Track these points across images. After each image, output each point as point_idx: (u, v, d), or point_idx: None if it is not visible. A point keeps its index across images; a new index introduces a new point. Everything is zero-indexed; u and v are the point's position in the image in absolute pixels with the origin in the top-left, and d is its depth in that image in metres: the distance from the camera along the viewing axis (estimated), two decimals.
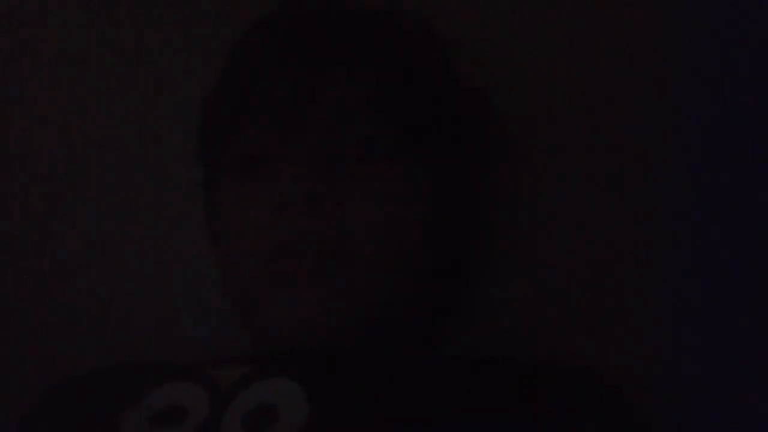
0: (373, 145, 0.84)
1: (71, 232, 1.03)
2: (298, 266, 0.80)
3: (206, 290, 0.97)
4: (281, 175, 0.82)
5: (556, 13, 1.00)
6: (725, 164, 0.94)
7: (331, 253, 0.81)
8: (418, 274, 0.87)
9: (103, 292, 1.02)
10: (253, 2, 0.93)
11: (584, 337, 0.94)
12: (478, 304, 0.97)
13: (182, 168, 0.99)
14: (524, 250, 0.97)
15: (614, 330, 0.94)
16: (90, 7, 1.06)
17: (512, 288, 0.97)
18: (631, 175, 0.96)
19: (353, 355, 0.80)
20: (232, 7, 1.02)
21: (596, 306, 0.95)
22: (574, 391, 0.80)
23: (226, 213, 0.87)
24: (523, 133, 0.98)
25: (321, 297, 0.81)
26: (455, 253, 0.92)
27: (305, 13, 0.89)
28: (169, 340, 1.00)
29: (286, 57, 0.85)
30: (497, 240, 0.97)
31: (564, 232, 0.97)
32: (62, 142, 1.05)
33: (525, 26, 1.00)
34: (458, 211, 0.91)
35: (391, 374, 0.79)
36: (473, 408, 0.77)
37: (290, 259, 0.81)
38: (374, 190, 0.83)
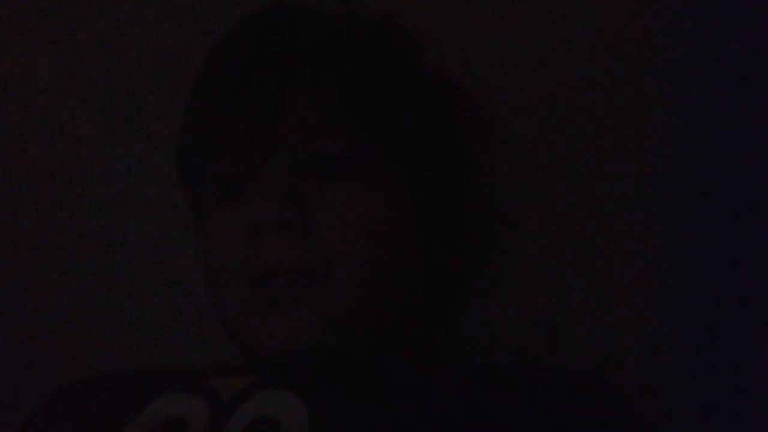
0: (341, 159, 0.83)
1: (72, 237, 1.04)
2: (277, 288, 0.81)
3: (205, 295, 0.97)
4: (253, 199, 0.82)
5: (553, 9, 0.99)
6: (725, 164, 0.94)
7: (309, 274, 0.80)
8: (406, 280, 0.86)
9: (104, 297, 1.03)
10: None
11: (583, 339, 0.94)
12: (475, 308, 0.97)
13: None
14: (519, 249, 0.97)
15: (613, 333, 0.94)
16: (89, 10, 1.06)
17: (508, 289, 0.97)
18: (630, 176, 0.96)
19: (353, 366, 0.81)
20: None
21: (595, 308, 0.95)
22: (572, 397, 0.80)
23: (207, 236, 0.87)
24: (523, 133, 0.98)
25: (303, 316, 0.80)
26: (444, 254, 0.91)
27: (263, 29, 0.87)
28: (170, 346, 1.00)
29: (245, 79, 0.84)
30: (495, 241, 0.97)
31: (564, 232, 0.96)
32: (63, 144, 1.05)
33: (520, 24, 0.99)
34: (442, 212, 0.90)
35: (389, 383, 0.79)
36: (472, 415, 0.77)
37: (269, 283, 0.81)
38: (346, 207, 0.82)
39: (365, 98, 0.85)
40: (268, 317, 0.81)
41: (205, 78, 0.89)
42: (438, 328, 0.95)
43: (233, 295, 0.83)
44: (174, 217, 1.01)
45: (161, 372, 0.87)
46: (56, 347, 1.02)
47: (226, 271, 0.83)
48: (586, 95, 0.98)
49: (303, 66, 0.84)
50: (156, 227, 1.03)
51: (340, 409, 0.76)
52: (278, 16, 0.88)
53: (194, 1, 1.05)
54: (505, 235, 0.97)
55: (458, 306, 0.96)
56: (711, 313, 0.92)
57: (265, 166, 0.83)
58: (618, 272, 0.95)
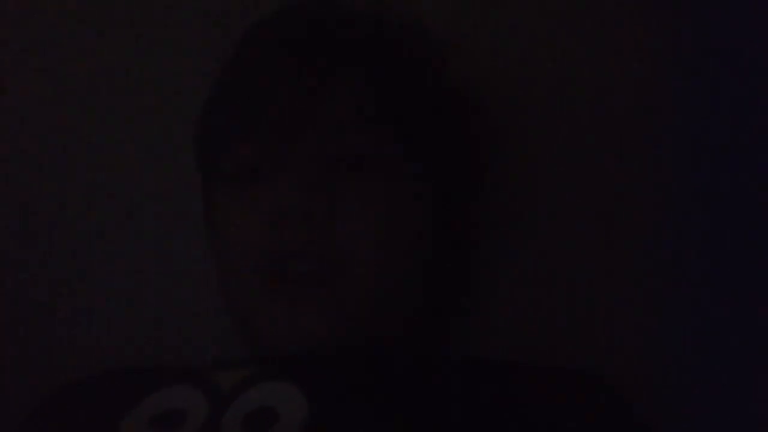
0: (367, 155, 0.84)
1: (72, 234, 1.03)
2: (293, 280, 0.81)
3: (206, 291, 0.96)
4: (276, 187, 0.82)
5: (557, 12, 0.99)
6: (725, 164, 0.94)
7: (327, 266, 0.81)
8: (418, 282, 0.87)
9: (103, 294, 1.02)
10: (255, 5, 0.94)
11: (585, 338, 0.94)
12: (479, 306, 0.97)
13: (185, 169, 0.98)
14: (524, 251, 0.97)
15: (614, 331, 0.94)
16: (91, 9, 1.06)
17: (513, 289, 0.97)
18: (630, 176, 0.96)
19: (352, 357, 0.80)
20: (237, 8, 1.02)
21: (597, 307, 0.95)
22: (572, 395, 0.80)
23: (222, 224, 0.86)
24: (523, 134, 0.98)
25: (318, 311, 0.81)
26: (455, 259, 0.92)
27: (298, 22, 0.88)
28: (168, 342, 1.00)
29: (279, 69, 0.85)
30: (497, 241, 0.97)
31: (564, 233, 0.96)
32: (63, 143, 1.05)
33: (524, 27, 1.00)
34: (457, 217, 0.91)
35: (390, 376, 0.79)
36: (473, 410, 0.78)
37: (286, 272, 0.81)
38: (369, 202, 0.82)
39: (395, 97, 0.85)
40: (280, 310, 0.81)
41: (236, 65, 0.89)
42: (442, 324, 0.95)
43: (246, 285, 0.83)
44: (175, 213, 1.01)
45: (158, 368, 0.87)
46: (52, 347, 1.01)
47: (241, 260, 0.83)
48: (587, 95, 0.98)
49: (336, 60, 0.85)
50: (157, 223, 1.02)
51: (339, 401, 0.76)
52: (314, 10, 0.89)
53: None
54: (508, 235, 0.97)
55: (461, 304, 0.96)
56: (711, 313, 0.92)
57: (292, 155, 0.83)
58: (620, 272, 0.95)
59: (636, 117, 0.97)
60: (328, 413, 0.76)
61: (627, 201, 0.96)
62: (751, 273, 0.93)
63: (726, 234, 0.93)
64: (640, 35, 0.97)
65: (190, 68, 1.03)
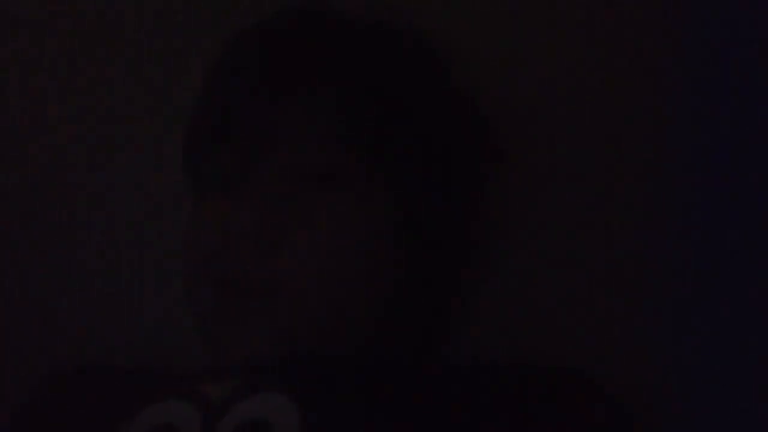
0: (332, 173, 0.83)
1: (69, 234, 1.03)
2: (241, 294, 0.81)
3: None
4: (238, 200, 0.82)
5: (555, 14, 0.99)
6: (725, 164, 0.94)
7: (272, 284, 0.80)
8: (389, 290, 0.85)
9: (99, 295, 1.02)
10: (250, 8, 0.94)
11: (582, 340, 0.94)
12: (472, 309, 0.96)
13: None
14: (519, 252, 0.97)
15: (612, 334, 0.94)
16: (90, 10, 1.06)
17: (508, 292, 0.97)
18: (630, 177, 0.96)
19: (343, 365, 0.80)
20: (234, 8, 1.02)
21: (594, 310, 0.95)
22: (565, 396, 0.80)
23: (188, 231, 0.87)
24: (522, 135, 0.98)
25: (260, 326, 0.81)
26: (428, 275, 0.90)
27: (276, 34, 0.87)
28: (162, 345, 1.00)
29: (251, 81, 0.85)
30: (493, 243, 0.97)
31: (562, 235, 0.96)
32: (63, 142, 1.05)
33: (521, 28, 0.99)
34: (431, 223, 0.89)
35: (380, 384, 0.79)
36: (465, 416, 0.78)
37: (231, 291, 0.81)
38: (328, 219, 0.82)
39: (365, 114, 0.84)
40: (230, 325, 0.81)
41: (217, 71, 0.89)
42: (433, 329, 0.94)
43: (199, 297, 0.84)
44: (169, 215, 1.01)
45: (150, 375, 0.87)
46: (47, 344, 1.02)
47: (195, 272, 0.84)
48: (585, 97, 0.98)
49: (308, 74, 0.84)
50: (151, 225, 1.02)
51: (332, 411, 0.76)
52: (297, 20, 0.88)
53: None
54: (502, 236, 0.97)
55: (450, 309, 0.96)
56: (709, 315, 0.92)
57: (258, 168, 0.83)
58: (616, 273, 0.95)
59: (635, 118, 0.96)
60: (320, 423, 0.75)
61: (626, 201, 0.96)
62: (750, 273, 0.92)
63: (726, 234, 0.93)
64: (641, 35, 0.97)
65: (185, 67, 1.03)
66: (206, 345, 0.86)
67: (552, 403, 0.79)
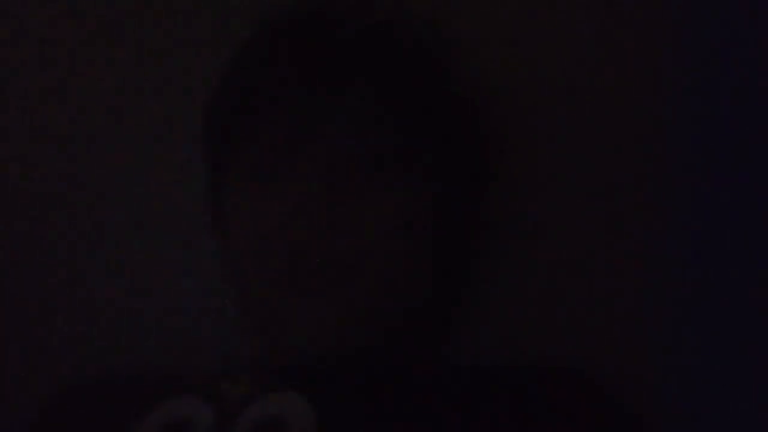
0: (386, 156, 0.83)
1: (75, 236, 1.03)
2: (312, 273, 0.80)
3: (212, 295, 0.98)
4: (297, 179, 0.82)
5: (557, 13, 0.99)
6: (725, 164, 0.94)
7: (345, 261, 0.80)
8: (424, 283, 0.86)
9: (108, 300, 1.02)
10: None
11: (583, 340, 0.94)
12: (477, 307, 0.97)
13: (188, 169, 0.99)
14: (522, 252, 0.97)
15: (612, 333, 0.94)
16: (94, 5, 1.06)
17: (510, 290, 0.97)
18: (631, 176, 0.96)
19: (358, 367, 0.81)
20: (240, 6, 1.02)
21: (595, 308, 0.95)
22: (565, 396, 0.81)
23: (236, 220, 0.86)
24: (523, 134, 0.98)
25: (329, 306, 0.80)
26: (458, 261, 0.92)
27: (316, 20, 0.88)
28: (175, 347, 1.00)
29: (297, 68, 0.85)
30: (496, 242, 0.97)
31: (562, 234, 0.97)
32: (65, 142, 1.04)
33: (525, 28, 0.99)
34: (462, 221, 0.90)
35: (396, 384, 0.80)
36: (476, 416, 0.78)
37: (299, 265, 0.80)
38: (385, 202, 0.82)
39: (409, 98, 0.85)
40: (293, 301, 0.81)
41: (255, 52, 0.89)
42: (441, 328, 0.95)
43: (260, 276, 0.82)
44: (182, 217, 1.01)
45: (167, 375, 0.87)
46: (57, 349, 1.02)
47: (257, 250, 0.82)
48: (587, 96, 0.98)
49: (361, 59, 0.85)
50: (165, 231, 1.02)
51: (347, 411, 0.77)
52: (331, 11, 0.88)
53: None
54: (501, 236, 0.97)
55: (460, 307, 0.96)
56: (711, 312, 0.92)
57: (311, 152, 0.82)
58: (617, 273, 0.95)
59: (642, 115, 0.97)
60: (336, 423, 0.76)
61: (627, 200, 0.96)
62: (750, 272, 0.93)
63: (726, 234, 0.93)
64: (646, 35, 0.97)
65: (187, 66, 1.02)
66: (261, 327, 0.84)
67: (552, 404, 0.79)
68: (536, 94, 0.98)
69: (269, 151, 0.84)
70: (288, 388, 0.78)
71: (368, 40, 0.86)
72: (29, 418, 0.88)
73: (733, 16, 0.95)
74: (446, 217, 0.87)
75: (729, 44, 0.95)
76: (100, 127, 1.04)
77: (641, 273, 0.95)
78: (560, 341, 0.95)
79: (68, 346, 1.01)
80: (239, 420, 0.78)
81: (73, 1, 1.05)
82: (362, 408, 0.78)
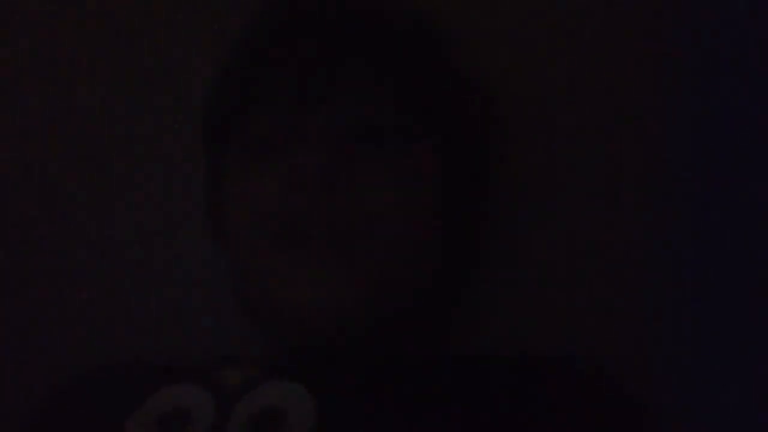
0: (384, 129, 0.83)
1: (72, 230, 1.03)
2: (310, 244, 0.79)
3: (210, 287, 0.98)
4: (295, 150, 0.81)
5: (561, 8, 1.00)
6: (725, 164, 0.95)
7: (345, 231, 0.79)
8: (428, 263, 0.85)
9: (107, 291, 1.02)
10: None
11: (584, 334, 0.94)
12: (478, 299, 0.97)
13: (184, 163, 1.00)
14: (524, 248, 0.97)
15: (614, 328, 0.94)
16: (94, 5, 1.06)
17: (511, 285, 0.97)
18: (631, 175, 0.96)
19: (358, 357, 0.80)
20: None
21: (596, 304, 0.95)
22: (571, 385, 0.81)
23: (235, 194, 0.85)
24: (524, 133, 0.98)
25: (335, 278, 0.79)
26: (463, 243, 0.91)
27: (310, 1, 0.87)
28: (173, 338, 0.99)
29: (297, 40, 0.84)
30: (497, 239, 0.97)
31: (564, 231, 0.97)
32: (61, 139, 1.04)
33: (528, 22, 0.99)
34: (467, 200, 0.90)
35: (397, 375, 0.80)
36: (479, 409, 0.78)
37: (302, 235, 0.79)
38: (386, 174, 0.82)
39: (413, 76, 0.85)
40: (296, 275, 0.79)
41: (252, 36, 0.88)
42: (447, 316, 0.95)
43: (261, 251, 0.81)
44: (178, 208, 1.01)
45: (163, 366, 0.86)
46: (56, 342, 1.01)
47: (257, 226, 0.81)
48: (589, 93, 0.98)
49: (357, 36, 0.84)
50: (160, 222, 1.02)
51: (347, 401, 0.77)
52: None
53: None
54: (505, 228, 0.97)
55: (459, 302, 0.96)
56: (710, 312, 0.93)
57: (311, 125, 0.82)
58: (618, 268, 0.95)
59: (644, 114, 0.96)
60: (336, 412, 0.76)
61: (627, 199, 0.96)
62: (750, 272, 0.93)
63: (726, 234, 0.94)
64: (647, 34, 0.97)
65: (181, 63, 1.03)
66: (263, 306, 0.83)
67: (560, 394, 0.79)
68: (536, 93, 0.98)
69: (268, 132, 0.84)
70: (287, 376, 0.78)
71: (365, 16, 0.86)
72: (26, 409, 0.88)
73: (734, 16, 0.95)
74: (449, 197, 0.86)
75: (729, 44, 0.95)
76: (97, 122, 1.04)
77: (641, 272, 0.94)
78: (561, 335, 0.94)
79: (67, 341, 1.01)
80: (238, 408, 0.77)
81: (72, 1, 1.06)
82: (361, 396, 0.78)
